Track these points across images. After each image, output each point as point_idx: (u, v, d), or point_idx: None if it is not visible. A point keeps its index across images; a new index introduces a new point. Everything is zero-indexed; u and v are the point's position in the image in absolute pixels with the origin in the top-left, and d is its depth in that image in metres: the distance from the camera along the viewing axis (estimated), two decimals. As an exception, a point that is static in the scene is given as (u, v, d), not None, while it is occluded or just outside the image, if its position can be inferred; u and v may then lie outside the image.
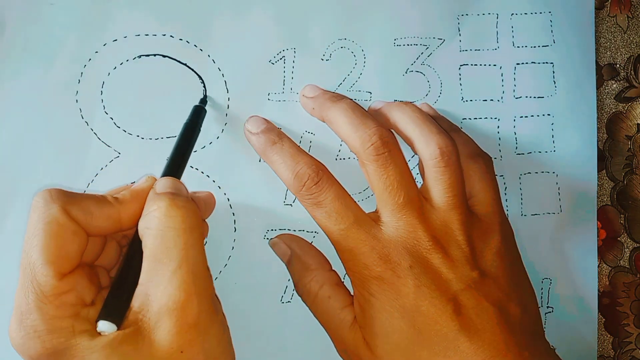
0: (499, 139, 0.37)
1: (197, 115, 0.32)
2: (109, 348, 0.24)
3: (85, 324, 0.24)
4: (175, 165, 0.30)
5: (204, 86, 0.34)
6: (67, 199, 0.25)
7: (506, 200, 0.37)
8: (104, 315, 0.25)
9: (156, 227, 0.25)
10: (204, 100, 0.33)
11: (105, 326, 0.24)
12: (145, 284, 0.25)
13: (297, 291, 0.33)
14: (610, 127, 0.39)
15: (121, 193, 0.27)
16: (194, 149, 0.34)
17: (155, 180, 0.28)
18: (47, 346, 0.23)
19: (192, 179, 0.34)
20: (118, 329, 0.24)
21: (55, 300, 0.24)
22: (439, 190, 0.30)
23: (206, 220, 0.33)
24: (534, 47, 0.37)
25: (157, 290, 0.24)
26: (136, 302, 0.25)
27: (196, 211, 0.26)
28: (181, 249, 0.25)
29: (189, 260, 0.25)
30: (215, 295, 0.27)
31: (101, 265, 0.28)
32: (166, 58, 0.34)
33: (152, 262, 0.25)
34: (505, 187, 0.37)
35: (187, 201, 0.26)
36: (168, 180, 0.28)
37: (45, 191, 0.25)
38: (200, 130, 0.32)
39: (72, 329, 0.24)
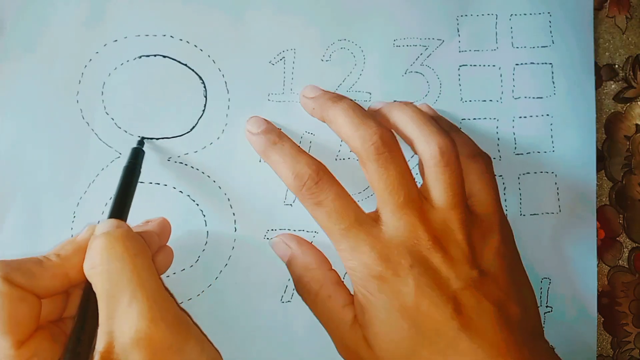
0: (498, 139, 0.37)
1: (135, 157, 0.32)
2: None
3: None
4: (118, 209, 0.29)
5: (204, 86, 0.34)
6: (6, 267, 0.25)
7: (505, 200, 0.37)
8: None
9: (100, 263, 0.25)
10: (141, 142, 0.33)
11: None
12: (106, 323, 0.24)
13: (297, 291, 0.33)
14: (609, 127, 0.39)
15: (64, 248, 0.27)
16: (194, 150, 0.34)
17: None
18: None
19: (192, 179, 0.34)
20: None
21: None
22: (439, 190, 0.30)
23: (207, 221, 0.33)
24: (533, 47, 0.37)
25: (119, 325, 0.24)
26: (100, 344, 0.24)
27: (136, 237, 0.26)
28: (131, 278, 0.24)
29: (143, 286, 0.24)
30: (181, 309, 0.26)
31: (70, 316, 0.28)
32: (166, 58, 0.34)
33: (107, 299, 0.24)
34: (505, 187, 0.37)
35: (126, 231, 0.26)
36: (106, 222, 0.27)
37: None
38: (140, 171, 0.31)
39: None
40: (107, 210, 0.30)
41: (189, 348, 0.24)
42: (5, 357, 0.23)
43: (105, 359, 0.23)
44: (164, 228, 0.32)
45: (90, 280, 0.25)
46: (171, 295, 0.26)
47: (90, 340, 0.25)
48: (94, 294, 0.25)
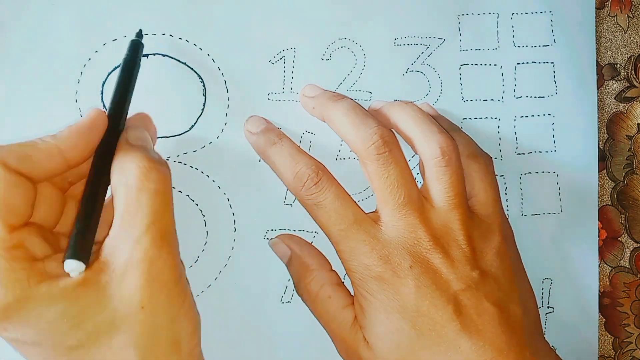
0: (500, 138, 0.37)
1: (135, 50, 0.31)
2: (71, 294, 0.23)
3: (41, 275, 0.24)
4: (119, 103, 0.29)
5: (204, 85, 0.34)
6: (0, 151, 0.25)
7: (506, 200, 0.37)
8: (72, 254, 0.24)
9: (134, 184, 0.25)
10: (139, 34, 0.32)
11: (72, 265, 0.24)
12: (116, 237, 0.25)
13: (297, 291, 0.33)
14: (610, 127, 0.39)
15: (61, 131, 0.27)
16: (193, 149, 0.34)
17: (101, 113, 0.27)
18: (1, 300, 0.23)
19: (191, 179, 0.34)
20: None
21: (6, 254, 0.23)
22: (439, 190, 0.30)
23: (207, 220, 0.33)
24: (535, 46, 0.37)
25: (127, 244, 0.24)
26: (104, 253, 0.25)
27: (169, 174, 0.26)
28: (155, 210, 0.25)
29: (162, 221, 0.25)
30: (181, 261, 0.27)
31: (61, 232, 0.28)
32: (166, 57, 0.34)
33: (125, 217, 0.25)
34: (506, 187, 0.37)
35: (163, 164, 0.26)
36: (138, 131, 0.28)
37: None
38: (140, 65, 0.31)
39: (27, 281, 0.23)
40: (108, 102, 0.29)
41: (176, 292, 0.25)
42: None
43: (102, 269, 0.24)
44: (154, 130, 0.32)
45: (115, 189, 0.26)
46: (177, 242, 0.27)
47: (95, 231, 0.25)
48: (104, 189, 0.26)
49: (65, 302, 0.23)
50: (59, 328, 0.23)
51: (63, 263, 0.24)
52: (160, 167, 0.26)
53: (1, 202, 0.24)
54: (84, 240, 0.25)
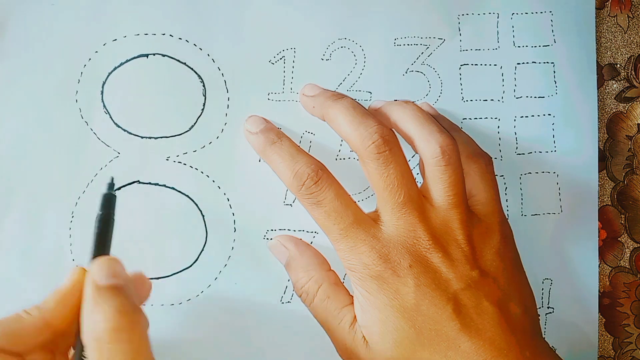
0: (499, 139, 0.37)
1: (108, 205, 0.29)
2: None
3: None
4: (102, 248, 0.28)
5: (204, 85, 0.34)
6: None
7: (506, 200, 0.37)
8: None
9: (105, 339, 0.23)
10: (111, 186, 0.30)
11: None
12: None
13: (296, 292, 0.33)
14: (610, 127, 0.39)
15: (46, 301, 0.26)
16: (193, 149, 0.34)
17: (82, 271, 0.26)
18: None
19: (192, 179, 0.34)
20: None
21: None
22: (439, 190, 0.30)
23: (206, 220, 0.33)
24: (535, 46, 0.37)
25: None
26: None
27: (143, 317, 0.25)
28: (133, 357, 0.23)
29: None
30: None
31: None
32: (166, 57, 0.34)
33: None
34: (506, 187, 0.37)
35: (134, 310, 0.24)
36: (107, 264, 0.26)
37: None
38: (114, 220, 0.29)
39: None
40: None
41: None
42: None
43: None
44: (148, 287, 0.30)
45: (86, 344, 0.24)
46: None
47: None
48: None
49: None
50: None
51: None
52: (132, 319, 0.24)
53: None
54: None
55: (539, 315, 0.36)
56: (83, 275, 0.26)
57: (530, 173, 0.37)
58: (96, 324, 0.24)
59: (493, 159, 0.34)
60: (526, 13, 0.37)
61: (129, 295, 0.25)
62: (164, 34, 0.34)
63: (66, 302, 0.26)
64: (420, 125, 0.31)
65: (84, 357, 0.24)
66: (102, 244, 0.28)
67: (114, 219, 0.28)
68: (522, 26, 0.37)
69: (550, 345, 0.34)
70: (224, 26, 0.34)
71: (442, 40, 0.36)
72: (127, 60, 0.33)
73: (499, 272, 0.30)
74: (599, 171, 0.38)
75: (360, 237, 0.30)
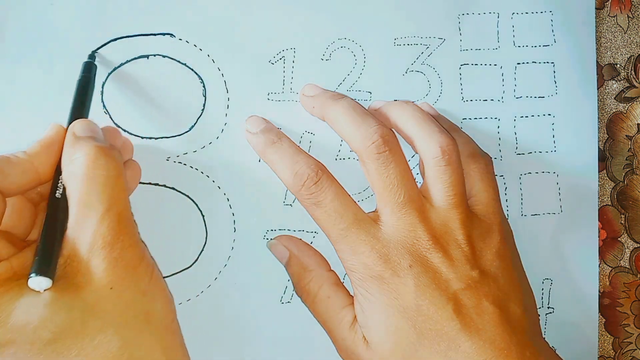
0: (499, 139, 0.37)
1: (88, 70, 0.32)
2: (47, 308, 0.23)
3: (8, 273, 0.24)
4: (81, 106, 0.30)
5: (204, 86, 0.34)
6: None
7: (506, 200, 0.37)
8: (37, 270, 0.24)
9: (84, 173, 0.25)
10: (92, 56, 0.33)
11: (37, 283, 0.24)
12: (74, 229, 0.25)
13: (296, 292, 0.33)
14: (610, 127, 0.39)
15: (32, 146, 0.27)
16: (193, 150, 0.34)
17: (62, 127, 0.28)
18: None
19: (191, 179, 0.34)
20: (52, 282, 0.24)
21: None
22: (439, 190, 0.30)
23: (206, 220, 0.33)
24: (535, 46, 0.37)
25: (87, 233, 0.25)
26: (66, 249, 0.25)
27: (120, 159, 0.27)
28: (110, 194, 0.25)
29: (117, 206, 0.25)
30: (142, 241, 0.27)
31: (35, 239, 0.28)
32: (166, 58, 0.34)
33: (81, 207, 0.25)
34: (506, 187, 0.37)
35: (112, 149, 0.27)
36: (85, 122, 0.28)
37: None
38: (94, 85, 0.32)
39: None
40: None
41: (141, 269, 0.26)
42: None
43: (66, 265, 0.24)
44: (127, 143, 0.32)
45: (65, 183, 0.26)
46: (136, 224, 0.27)
47: (60, 242, 0.25)
48: (64, 200, 0.26)
49: (42, 315, 0.23)
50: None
51: (27, 280, 0.24)
52: (109, 152, 0.26)
53: None
54: (49, 255, 0.25)
55: (539, 315, 0.36)
56: (63, 130, 0.28)
57: (530, 173, 0.37)
58: (75, 160, 0.26)
59: (493, 159, 0.34)
60: (526, 13, 0.37)
61: (103, 140, 0.28)
62: (164, 35, 0.34)
63: (49, 149, 0.27)
64: (420, 126, 0.31)
65: (59, 189, 0.26)
66: (80, 106, 0.30)
67: (93, 85, 0.31)
68: (522, 26, 0.37)
69: (550, 345, 0.34)
70: (224, 26, 0.34)
71: (442, 40, 0.36)
72: (127, 61, 0.33)
73: (499, 272, 0.30)
74: (599, 171, 0.38)
75: (360, 237, 0.30)
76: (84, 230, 0.25)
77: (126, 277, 0.25)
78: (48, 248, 0.25)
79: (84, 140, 0.27)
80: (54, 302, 0.24)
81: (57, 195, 0.26)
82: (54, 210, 0.26)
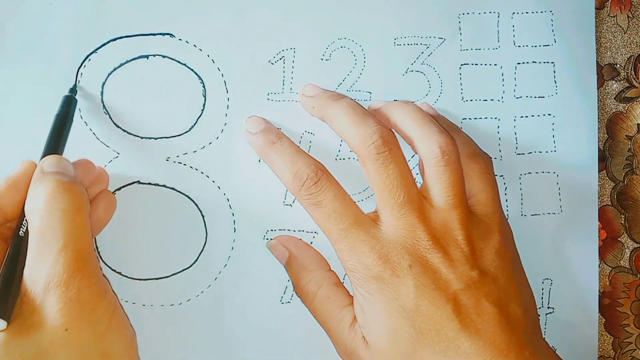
0: (499, 139, 0.37)
1: (68, 105, 0.31)
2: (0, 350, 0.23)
3: None
4: (56, 142, 0.29)
5: (204, 86, 0.34)
6: None
7: (506, 200, 0.37)
8: None
9: (43, 208, 0.25)
10: (73, 90, 0.32)
11: None
12: (32, 266, 0.25)
13: (296, 292, 0.33)
14: (610, 127, 0.39)
15: None
16: (193, 150, 0.34)
17: (33, 164, 0.28)
18: None
19: (190, 179, 0.34)
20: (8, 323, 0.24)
21: None
22: (439, 190, 0.30)
23: (206, 220, 0.33)
24: (535, 46, 0.37)
25: (43, 270, 0.24)
26: (23, 287, 0.25)
27: (83, 193, 0.26)
28: (68, 230, 0.25)
29: (76, 241, 0.25)
30: (103, 276, 0.27)
31: None
32: (166, 58, 0.34)
33: (39, 242, 0.25)
34: (506, 187, 0.37)
35: (74, 183, 0.26)
36: (54, 158, 0.28)
37: None
38: (72, 119, 0.31)
39: None
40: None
41: (100, 311, 0.25)
42: None
43: (26, 302, 0.24)
44: (102, 174, 0.32)
45: (28, 216, 0.26)
46: (96, 260, 0.27)
47: (19, 281, 0.25)
48: (26, 237, 0.26)
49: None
50: None
51: None
52: (70, 186, 0.26)
53: None
54: (5, 296, 0.24)
55: (539, 315, 0.36)
56: (33, 167, 0.28)
57: (530, 173, 0.37)
58: (36, 195, 0.26)
59: (493, 159, 0.34)
60: (526, 12, 0.37)
61: (73, 175, 0.27)
62: (163, 35, 0.34)
63: (16, 187, 0.27)
64: (419, 126, 0.31)
65: (23, 226, 0.26)
66: (55, 142, 0.29)
67: (71, 120, 0.31)
68: (522, 26, 0.37)
69: (550, 345, 0.34)
70: (224, 26, 0.34)
71: (442, 39, 0.36)
72: (127, 61, 0.33)
73: (498, 272, 0.30)
74: (599, 171, 0.38)
75: (360, 237, 0.30)
76: (40, 267, 0.24)
77: (82, 318, 0.24)
78: (5, 288, 0.25)
79: (48, 175, 0.27)
80: (7, 344, 0.23)
81: (21, 233, 0.26)
82: (16, 248, 0.26)
